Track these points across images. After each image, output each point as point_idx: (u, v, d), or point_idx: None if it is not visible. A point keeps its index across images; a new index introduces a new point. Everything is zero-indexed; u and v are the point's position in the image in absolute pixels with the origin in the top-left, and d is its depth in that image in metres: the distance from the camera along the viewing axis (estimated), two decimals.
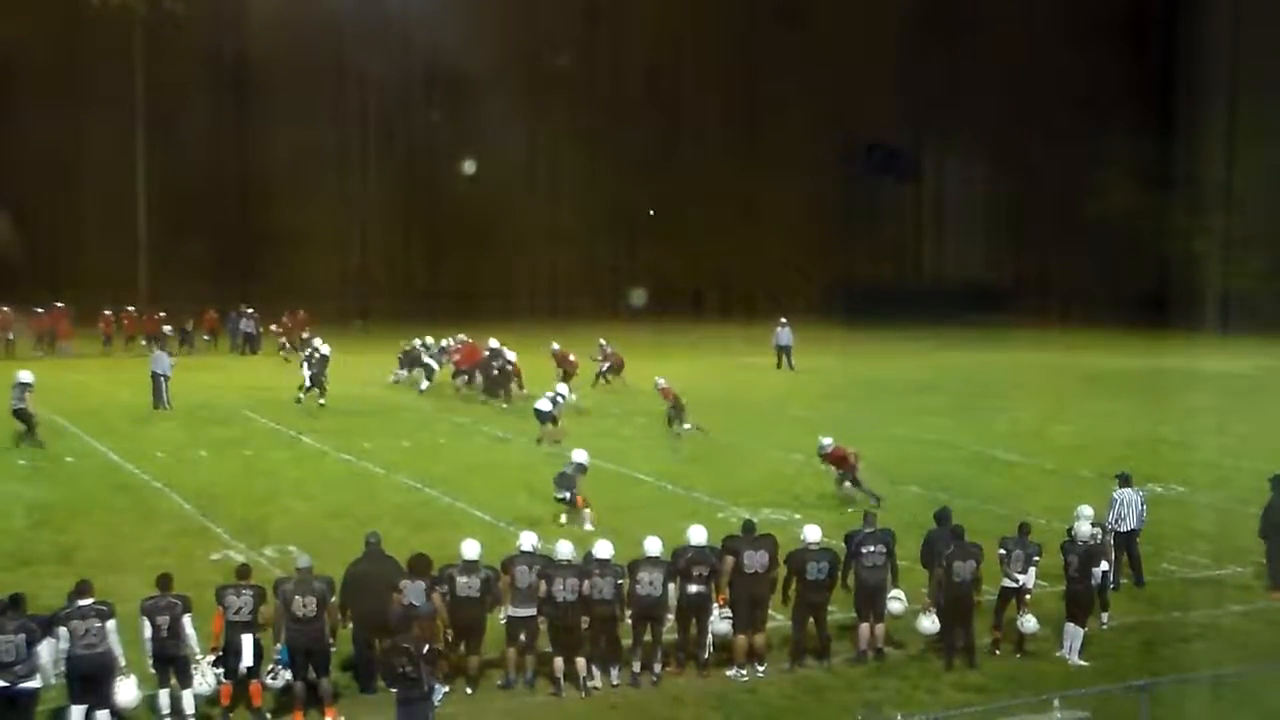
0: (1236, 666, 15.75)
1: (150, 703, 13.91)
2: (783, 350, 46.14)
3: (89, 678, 13.39)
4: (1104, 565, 17.33)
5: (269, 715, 14.21)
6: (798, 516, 21.78)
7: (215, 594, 14.32)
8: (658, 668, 15.50)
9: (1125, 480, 19.54)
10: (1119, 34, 67.42)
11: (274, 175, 64.59)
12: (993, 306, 70.77)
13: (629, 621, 15.45)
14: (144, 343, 48.95)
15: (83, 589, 13.77)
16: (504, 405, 35.78)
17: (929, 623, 16.21)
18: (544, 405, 29.69)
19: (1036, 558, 16.61)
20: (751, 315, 64.34)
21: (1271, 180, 62.55)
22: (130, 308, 53.38)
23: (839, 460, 24.01)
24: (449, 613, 14.86)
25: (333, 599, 14.42)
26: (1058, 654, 16.35)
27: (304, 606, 14.10)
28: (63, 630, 13.36)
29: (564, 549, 15.46)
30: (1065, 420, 35.83)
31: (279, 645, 14.16)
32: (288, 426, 32.37)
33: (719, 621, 15.76)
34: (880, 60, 72.47)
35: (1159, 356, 51.89)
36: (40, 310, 49.77)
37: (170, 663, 13.93)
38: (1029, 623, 16.41)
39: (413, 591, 14.71)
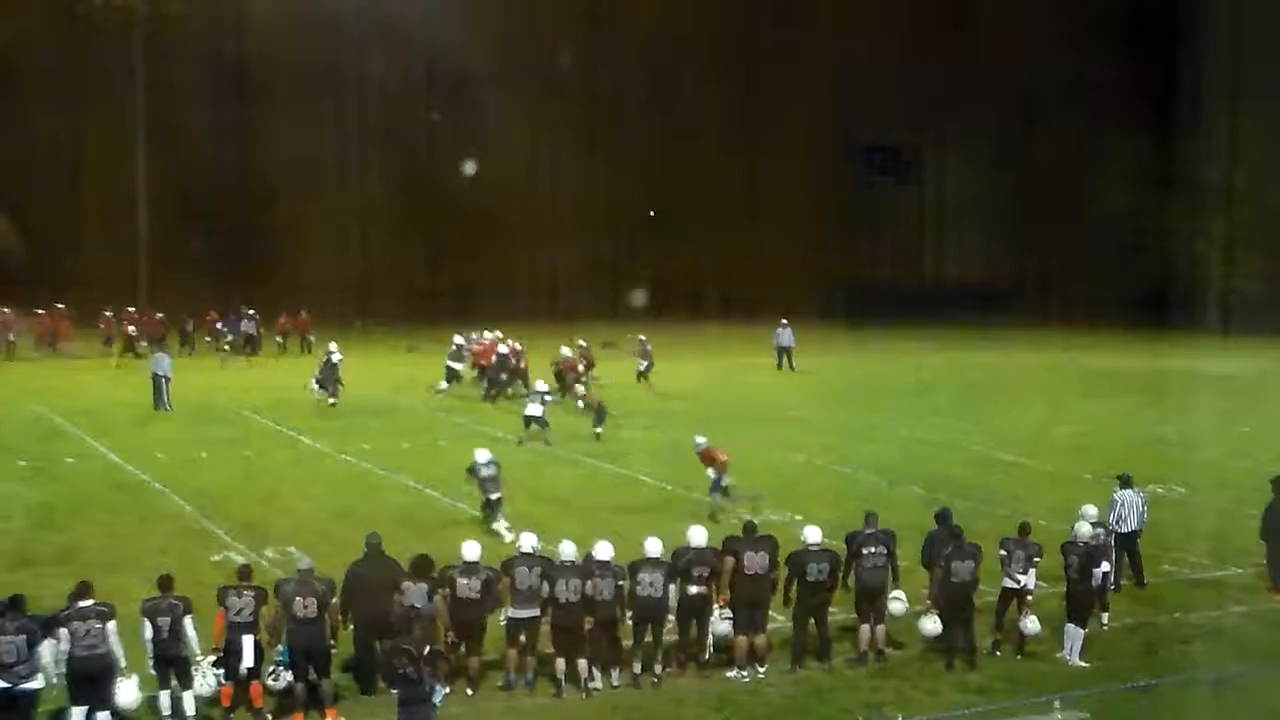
0: (1237, 667, 15.74)
1: (151, 704, 13.90)
2: (784, 351, 46.15)
3: (89, 679, 13.39)
4: (1104, 566, 17.35)
5: (270, 716, 14.20)
6: (798, 517, 21.76)
7: (217, 595, 14.33)
8: (658, 669, 15.50)
9: (1126, 481, 19.55)
10: (1120, 34, 67.38)
11: (274, 176, 64.61)
12: (993, 307, 70.71)
13: (629, 623, 15.45)
14: (144, 343, 48.93)
15: (83, 590, 13.77)
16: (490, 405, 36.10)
17: (930, 624, 16.20)
18: (535, 410, 30.09)
19: (1037, 558, 16.61)
20: (751, 316, 64.34)
21: (1272, 181, 62.57)
22: (131, 309, 53.31)
23: (710, 460, 23.72)
24: (449, 614, 14.87)
25: (333, 600, 14.42)
26: (1058, 655, 16.34)
27: (305, 608, 14.11)
28: (63, 631, 13.36)
29: (567, 550, 15.46)
30: (1066, 421, 35.82)
31: (280, 646, 14.16)
32: (288, 427, 32.37)
33: (719, 622, 15.76)
34: (881, 61, 72.45)
35: (1160, 357, 51.91)
36: (41, 311, 49.75)
37: (171, 664, 13.93)
38: (1030, 624, 16.40)
39: (415, 593, 14.72)
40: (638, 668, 15.43)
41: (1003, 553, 16.62)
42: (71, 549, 20.42)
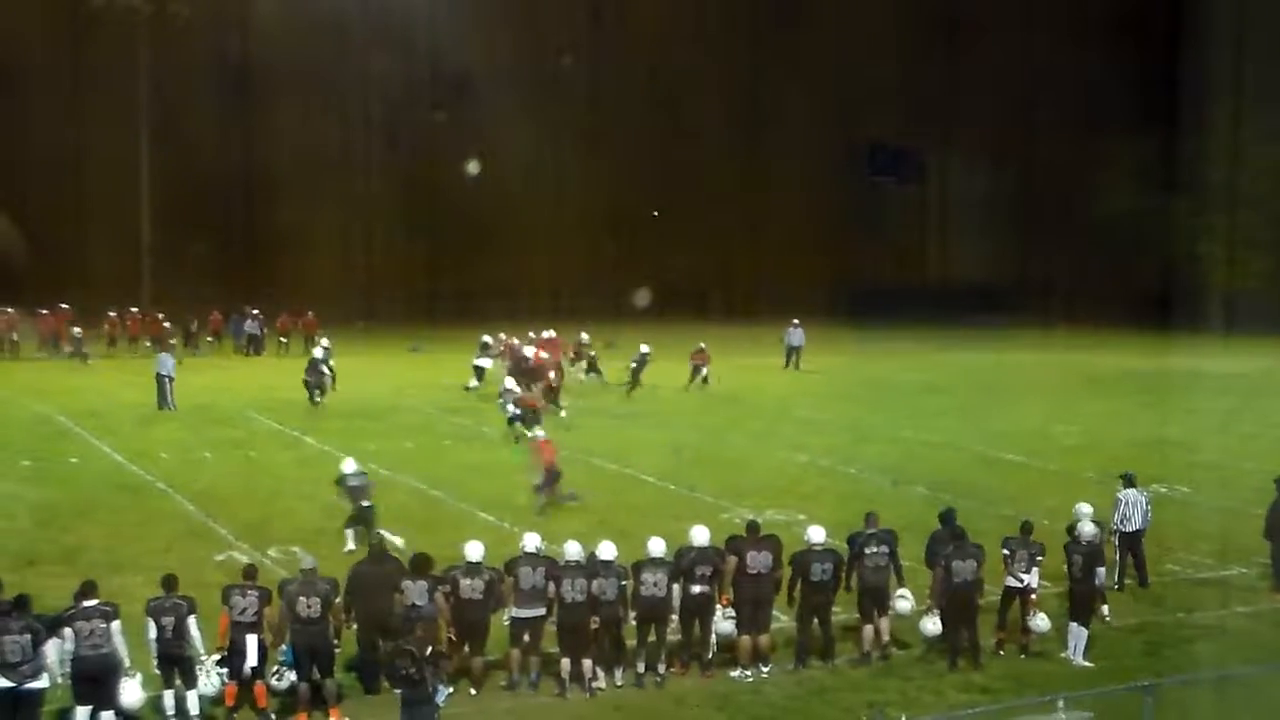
0: (1241, 667, 15.73)
1: (155, 703, 13.92)
2: (793, 350, 46.25)
3: (94, 678, 13.40)
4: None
5: (274, 716, 14.22)
6: (801, 517, 21.76)
7: (221, 594, 14.35)
8: (662, 668, 15.50)
9: (1129, 481, 19.56)
10: (1123, 34, 67.37)
11: (278, 176, 64.69)
12: (997, 307, 70.70)
13: (633, 623, 15.45)
14: (148, 344, 49.00)
15: (87, 590, 13.78)
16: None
17: (931, 625, 16.19)
18: (512, 410, 30.27)
19: (1040, 558, 16.60)
20: (755, 316, 64.36)
21: (1275, 181, 62.55)
22: (134, 309, 53.38)
23: (541, 453, 24.11)
24: (452, 614, 14.88)
25: (337, 600, 14.43)
26: (1062, 655, 16.34)
27: (308, 607, 14.12)
28: (68, 631, 13.37)
29: (572, 549, 15.47)
30: (1069, 421, 35.81)
31: (283, 646, 14.18)
32: (291, 427, 32.39)
33: (722, 621, 15.77)
34: (885, 61, 72.48)
35: (1163, 357, 51.86)
36: (44, 311, 49.80)
37: (175, 663, 13.94)
38: (1040, 622, 16.39)
39: (415, 592, 14.73)
40: (641, 667, 15.44)
41: (1005, 552, 16.62)
42: (75, 549, 20.45)
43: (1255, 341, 55.46)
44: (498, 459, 28.81)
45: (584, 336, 42.31)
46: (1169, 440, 32.60)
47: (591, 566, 15.28)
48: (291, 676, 14.13)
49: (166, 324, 49.95)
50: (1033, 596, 16.46)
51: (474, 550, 15.27)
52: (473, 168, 65.07)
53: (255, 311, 51.57)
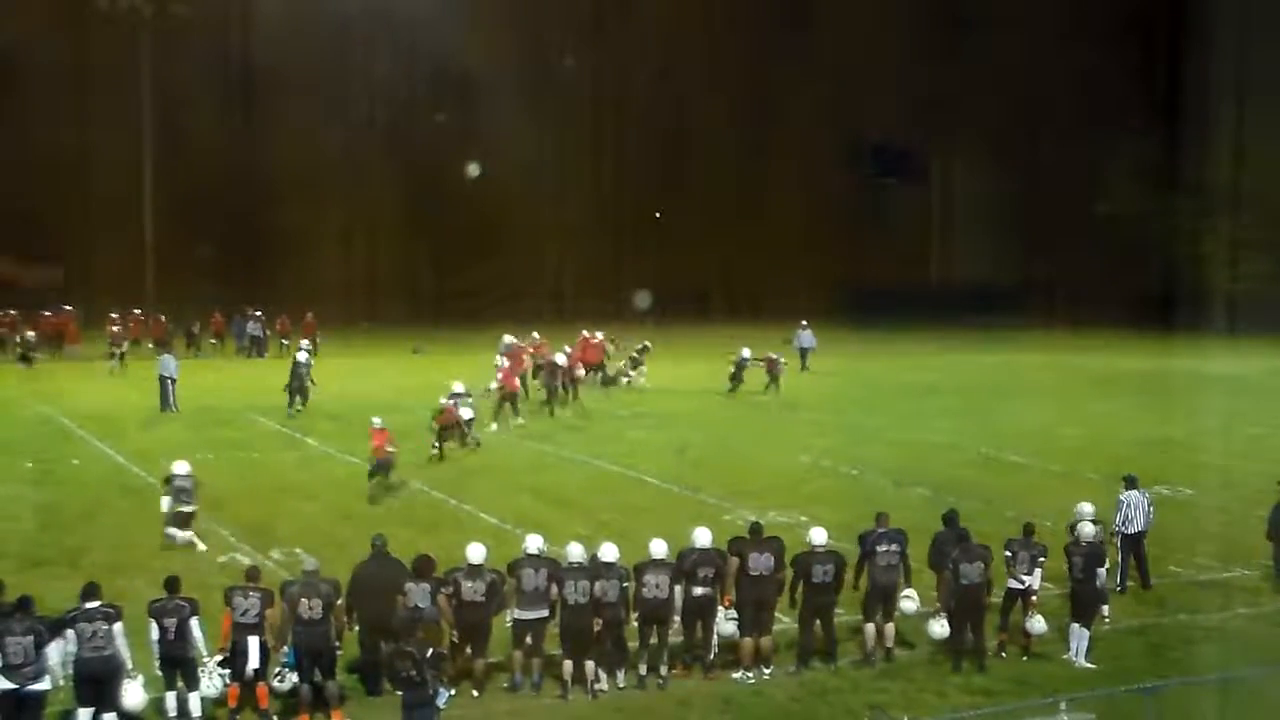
0: (1244, 669, 15.71)
1: (157, 705, 13.91)
2: (804, 352, 46.33)
3: (96, 680, 13.39)
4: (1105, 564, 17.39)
5: (275, 718, 14.22)
6: (804, 519, 21.75)
7: (224, 595, 14.36)
8: (664, 670, 15.49)
9: (1131, 482, 19.54)
10: (1127, 35, 67.40)
11: (281, 178, 64.77)
12: (1000, 308, 70.73)
13: (635, 624, 15.45)
14: (150, 345, 49.07)
15: (90, 591, 13.78)
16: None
17: (939, 627, 16.16)
18: (466, 414, 29.37)
19: (1042, 559, 16.58)
20: (758, 317, 64.37)
21: (1278, 181, 62.50)
22: (137, 311, 53.43)
23: (380, 442, 25.09)
24: (454, 616, 14.88)
25: (339, 601, 14.43)
26: (1064, 656, 16.33)
27: (310, 609, 14.11)
28: (70, 633, 13.37)
29: (575, 551, 15.46)
30: (1073, 422, 35.79)
31: (285, 648, 14.18)
32: (293, 429, 32.40)
33: (724, 623, 15.76)
34: (887, 61, 72.49)
35: (1166, 358, 51.85)
36: (48, 313, 49.82)
37: (177, 665, 13.94)
38: (1038, 624, 16.38)
39: (418, 594, 14.72)
40: (643, 669, 15.42)
41: (1008, 554, 16.60)
42: (78, 551, 20.45)
43: (1258, 342, 55.42)
44: (500, 460, 28.81)
45: (599, 335, 42.34)
46: (1171, 441, 32.59)
47: (594, 568, 15.27)
48: (293, 678, 14.12)
49: (169, 325, 50.05)
50: (1033, 598, 16.45)
51: (476, 552, 15.26)
52: (473, 170, 65.12)
53: (257, 313, 51.62)
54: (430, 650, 13.16)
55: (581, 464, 28.50)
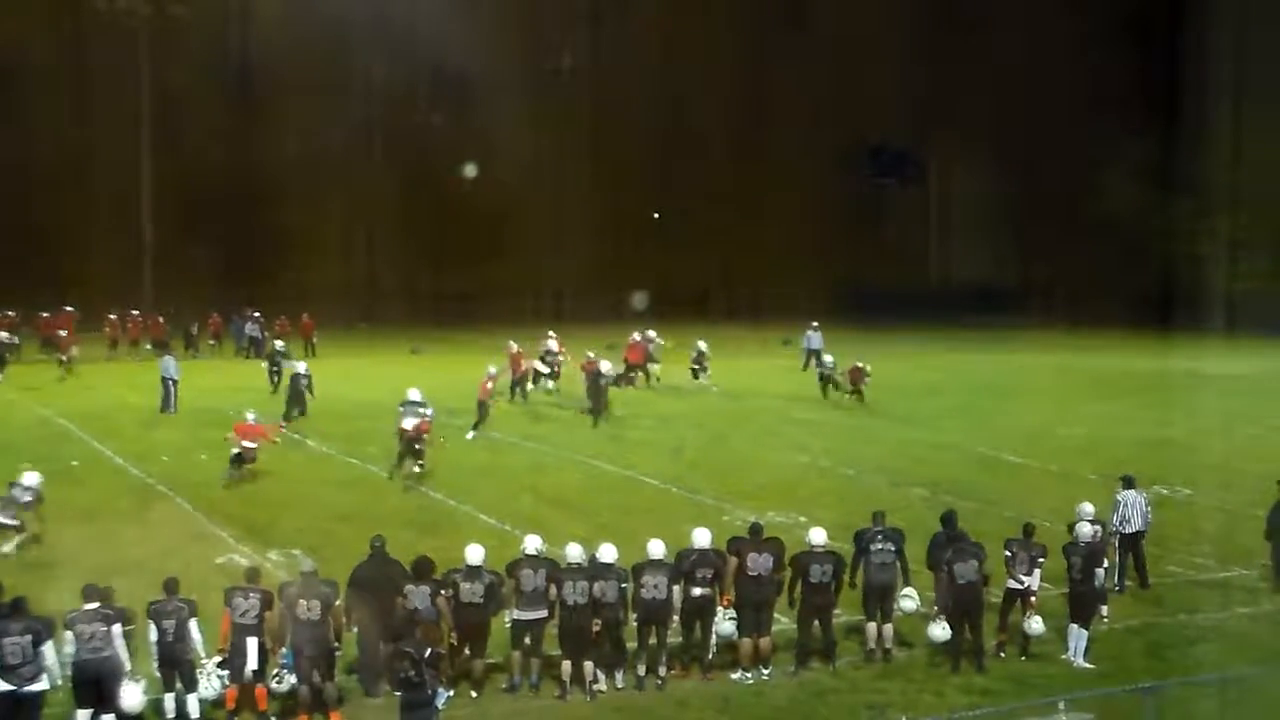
0: (1242, 669, 15.72)
1: (155, 706, 13.91)
2: (813, 353, 46.25)
3: (94, 681, 13.40)
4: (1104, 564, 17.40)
5: (274, 719, 14.21)
6: (802, 519, 21.75)
7: (223, 596, 14.36)
8: (663, 671, 15.49)
9: (1129, 482, 19.56)
10: (1125, 34, 67.39)
11: (279, 179, 64.72)
12: (999, 308, 70.72)
13: (634, 625, 15.44)
14: (148, 347, 49.09)
15: (89, 593, 13.77)
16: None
17: (940, 630, 16.10)
18: (408, 424, 26.91)
19: (1041, 559, 16.59)
20: (757, 318, 64.37)
21: (1276, 182, 62.50)
22: (135, 312, 53.41)
23: (246, 434, 26.07)
24: (453, 617, 14.88)
25: (337, 602, 14.42)
26: (1063, 656, 16.33)
27: (308, 610, 14.11)
28: (68, 634, 13.39)
29: (573, 552, 15.47)
30: (1071, 422, 35.78)
31: (284, 649, 14.17)
32: (292, 430, 32.36)
33: (723, 622, 15.76)
34: (886, 62, 72.51)
35: (1165, 358, 51.83)
36: (46, 314, 49.79)
37: (175, 666, 13.94)
38: (1035, 624, 16.39)
39: (417, 596, 14.72)
40: (642, 670, 15.43)
41: (1007, 554, 16.61)
42: (76, 552, 20.43)
43: (1257, 342, 55.42)
44: (498, 461, 28.81)
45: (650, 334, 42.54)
46: (1170, 441, 32.58)
47: (593, 569, 15.28)
48: (292, 679, 14.12)
49: (167, 326, 50.07)
50: (1032, 599, 16.45)
51: (475, 553, 15.27)
52: (472, 170, 65.09)
53: (256, 314, 51.59)
54: (429, 651, 13.16)
55: (580, 464, 28.50)
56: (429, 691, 12.99)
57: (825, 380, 39.36)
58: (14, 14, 58.36)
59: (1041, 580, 16.63)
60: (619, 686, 15.30)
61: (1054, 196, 73.76)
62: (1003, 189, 75.11)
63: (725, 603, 15.80)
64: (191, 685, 13.96)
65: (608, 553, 15.41)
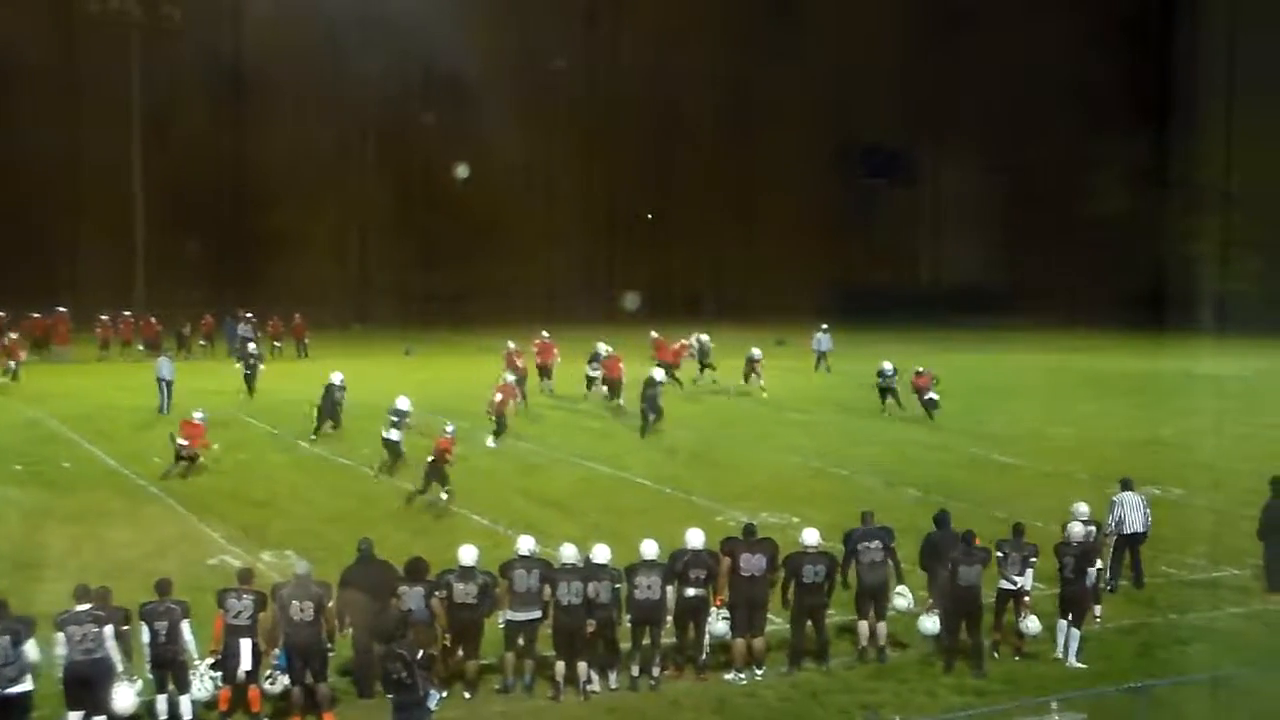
0: (1234, 669, 15.75)
1: (148, 708, 13.89)
2: (822, 355, 46.39)
3: (86, 683, 13.34)
4: (1096, 564, 17.46)
5: None
6: (795, 519, 21.77)
7: (216, 597, 14.35)
8: (656, 671, 15.50)
9: (1126, 484, 19.55)
10: (1116, 35, 67.52)
11: (271, 179, 64.67)
12: (990, 309, 70.83)
13: (627, 625, 15.45)
14: (140, 348, 49.04)
15: (81, 594, 13.75)
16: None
17: (930, 623, 16.21)
18: (394, 435, 26.93)
19: (1033, 559, 16.62)
20: (748, 318, 64.38)
21: (1268, 182, 62.69)
22: (127, 313, 53.36)
23: (188, 433, 26.45)
24: (447, 618, 14.88)
25: (330, 603, 14.41)
26: (1054, 656, 16.36)
27: (301, 611, 14.11)
28: (60, 635, 13.35)
29: (568, 552, 15.48)
30: (1063, 422, 35.83)
31: (277, 650, 14.17)
32: (285, 431, 32.35)
33: (716, 622, 15.77)
34: (878, 63, 72.61)
35: (1156, 358, 51.94)
36: (37, 315, 49.70)
37: (168, 668, 13.90)
38: (1031, 624, 16.41)
39: (411, 597, 14.73)
40: (635, 670, 15.44)
41: (999, 554, 16.62)
42: (68, 553, 20.41)
43: (1247, 342, 55.55)
44: (491, 462, 28.80)
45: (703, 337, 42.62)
46: (1162, 441, 32.66)
47: (586, 569, 15.29)
48: (285, 680, 14.11)
49: (159, 328, 50.03)
50: (1025, 599, 16.48)
51: (468, 554, 15.27)
52: (464, 170, 65.08)
53: (248, 315, 51.51)
54: (421, 652, 13.16)
55: (573, 465, 28.50)
56: (421, 693, 12.99)
57: (885, 391, 36.37)
58: (5, 15, 58.24)
59: (1034, 580, 16.67)
60: (613, 687, 15.31)
61: (1045, 197, 73.91)
62: (994, 189, 75.23)
63: (718, 603, 15.82)
64: (184, 687, 13.93)
65: (601, 553, 15.41)
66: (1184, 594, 19.31)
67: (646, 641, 15.46)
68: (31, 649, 13.21)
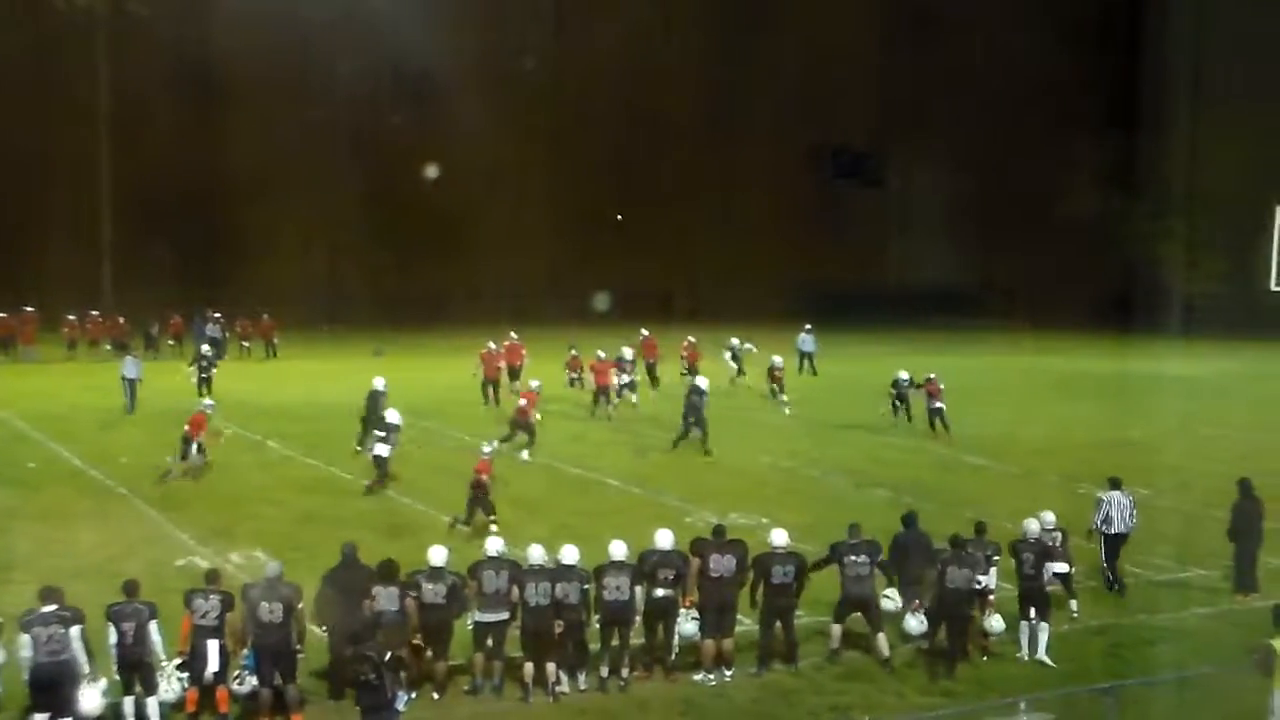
0: (1201, 669, 15.83)
1: (115, 710, 13.80)
2: (805, 356, 46.36)
3: (51, 685, 13.24)
4: (1062, 567, 17.51)
5: None
6: (765, 520, 21.77)
7: (184, 598, 14.27)
8: (625, 672, 15.49)
9: (1115, 483, 19.58)
10: (1086, 38, 67.89)
11: (240, 179, 64.31)
12: (960, 310, 71.11)
13: (596, 626, 15.44)
14: (108, 347, 48.77)
15: (47, 595, 13.65)
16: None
17: (916, 623, 16.15)
18: (383, 451, 25.53)
19: (996, 557, 16.72)
20: (719, 318, 64.39)
21: (1234, 184, 63.13)
22: (95, 312, 53.05)
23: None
24: (418, 618, 14.85)
25: (300, 605, 14.34)
26: (1017, 655, 16.41)
27: (270, 612, 14.05)
28: (25, 637, 13.25)
29: (535, 553, 15.46)
30: (1031, 423, 35.98)
31: (246, 651, 14.10)
32: (253, 431, 32.22)
33: (685, 623, 15.77)
34: (849, 65, 72.78)
35: (1124, 360, 52.21)
36: (4, 315, 49.37)
37: (135, 669, 13.82)
38: (995, 622, 16.48)
39: (386, 597, 14.67)
40: (604, 671, 15.42)
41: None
42: (34, 554, 20.26)
43: (1213, 344, 55.92)
44: (462, 463, 28.66)
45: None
46: (1130, 442, 32.81)
47: (555, 570, 15.27)
48: (253, 681, 14.05)
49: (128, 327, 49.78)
50: (989, 597, 16.53)
51: (437, 555, 15.24)
52: (434, 171, 64.93)
53: (217, 315, 51.29)
54: (389, 654, 13.11)
55: (543, 466, 28.46)
56: (389, 694, 12.93)
57: (901, 400, 34.03)
58: None
59: (999, 579, 16.74)
60: (581, 688, 15.29)
61: (1014, 198, 74.23)
62: (963, 190, 75.52)
63: (688, 604, 15.81)
64: (151, 688, 13.84)
65: (570, 554, 15.40)
66: (1152, 594, 19.42)
67: (615, 642, 15.45)
68: None
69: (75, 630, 13.36)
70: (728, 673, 15.69)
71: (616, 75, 74.52)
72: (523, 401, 29.89)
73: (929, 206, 78.71)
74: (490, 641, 15.14)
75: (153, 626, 13.84)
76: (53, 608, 13.46)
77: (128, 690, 13.84)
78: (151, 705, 13.83)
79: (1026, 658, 16.36)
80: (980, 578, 16.44)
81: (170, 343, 51.11)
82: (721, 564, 15.78)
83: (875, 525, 19.16)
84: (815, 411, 37.57)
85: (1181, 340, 57.68)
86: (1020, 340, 62.59)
